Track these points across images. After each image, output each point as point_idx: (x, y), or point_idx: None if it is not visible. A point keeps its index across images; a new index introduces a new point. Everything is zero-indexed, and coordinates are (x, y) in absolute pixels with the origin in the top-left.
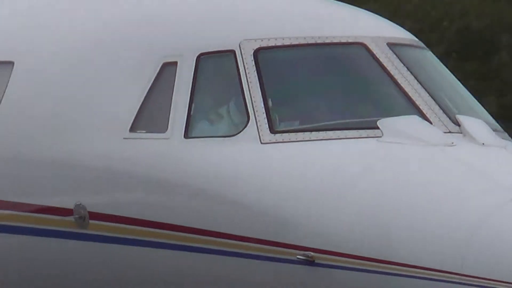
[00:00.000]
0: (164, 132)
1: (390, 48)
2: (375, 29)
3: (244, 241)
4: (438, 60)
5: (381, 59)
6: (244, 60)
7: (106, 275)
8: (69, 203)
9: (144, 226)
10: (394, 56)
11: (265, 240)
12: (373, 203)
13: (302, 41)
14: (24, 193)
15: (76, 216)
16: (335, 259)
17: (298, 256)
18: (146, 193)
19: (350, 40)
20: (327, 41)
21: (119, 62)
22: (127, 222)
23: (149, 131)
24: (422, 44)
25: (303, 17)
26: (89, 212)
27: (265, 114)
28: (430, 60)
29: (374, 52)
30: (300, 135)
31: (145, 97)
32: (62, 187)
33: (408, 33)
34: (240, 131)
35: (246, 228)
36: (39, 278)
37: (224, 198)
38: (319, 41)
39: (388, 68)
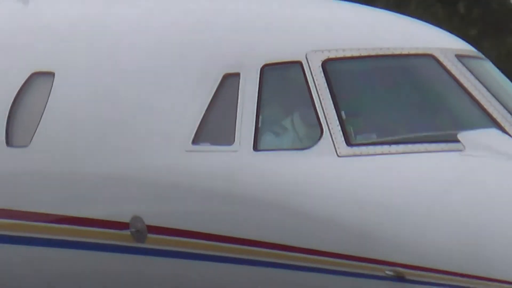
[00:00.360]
0: (231, 144)
1: (459, 60)
2: (443, 41)
3: (324, 256)
4: (498, 70)
5: (452, 71)
6: (312, 71)
7: None
8: (125, 217)
9: (211, 240)
10: (465, 68)
11: (348, 255)
12: (464, 217)
13: (371, 52)
14: (78, 206)
15: (133, 229)
16: (427, 275)
17: (386, 272)
18: (212, 206)
19: (419, 52)
20: (396, 52)
21: (178, 72)
22: (191, 236)
23: (214, 143)
24: (482, 55)
25: (369, 28)
26: (147, 226)
27: (339, 127)
28: (492, 71)
29: (445, 64)
30: (379, 148)
31: (207, 109)
32: (119, 201)
33: (468, 45)
34: (314, 144)
35: (327, 242)
36: None
37: (302, 212)
38: (387, 52)
39: (461, 80)
